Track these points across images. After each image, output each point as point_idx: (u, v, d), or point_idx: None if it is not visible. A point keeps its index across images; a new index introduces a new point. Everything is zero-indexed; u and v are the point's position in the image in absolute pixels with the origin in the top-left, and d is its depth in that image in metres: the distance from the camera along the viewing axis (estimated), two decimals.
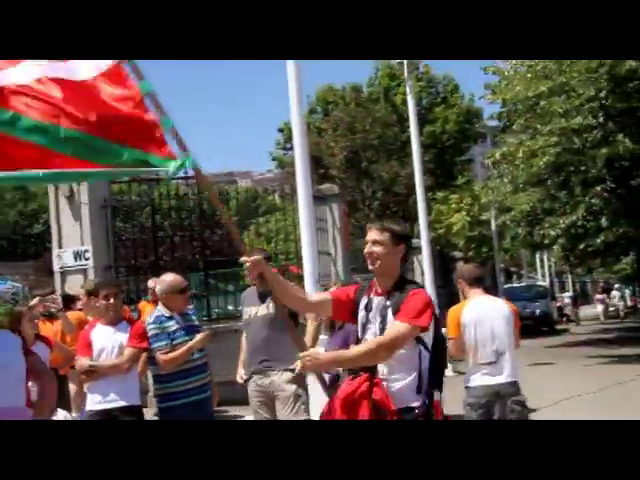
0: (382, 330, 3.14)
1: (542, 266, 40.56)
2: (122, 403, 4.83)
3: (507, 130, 18.88)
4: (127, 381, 4.90)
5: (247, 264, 3.24)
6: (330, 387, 3.84)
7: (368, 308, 3.23)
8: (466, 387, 4.91)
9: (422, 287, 3.35)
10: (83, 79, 3.01)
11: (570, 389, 10.44)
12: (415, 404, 3.10)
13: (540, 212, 17.30)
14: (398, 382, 3.12)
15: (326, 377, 4.07)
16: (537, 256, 37.87)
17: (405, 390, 3.11)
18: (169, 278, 5.06)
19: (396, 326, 3.08)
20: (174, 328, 4.91)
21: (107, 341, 4.93)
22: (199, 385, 4.88)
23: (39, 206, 59.23)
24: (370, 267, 3.26)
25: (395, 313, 3.13)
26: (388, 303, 3.17)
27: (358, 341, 3.26)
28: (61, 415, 5.58)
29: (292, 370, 5.05)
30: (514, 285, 31.26)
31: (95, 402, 4.89)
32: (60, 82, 3.00)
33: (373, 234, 3.24)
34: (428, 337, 3.17)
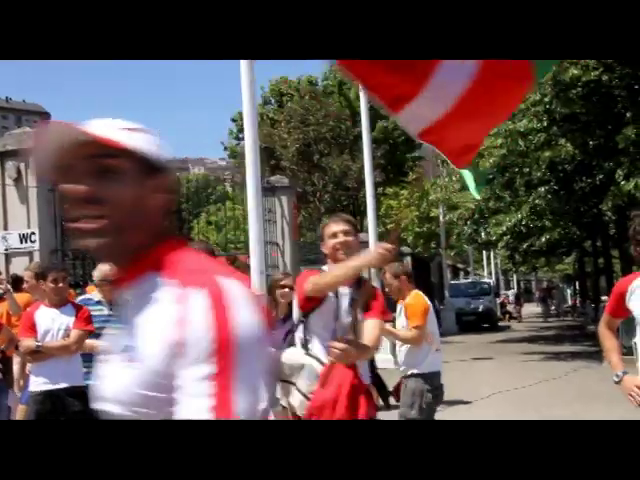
0: (355, 322, 3.28)
1: (489, 264, 41.46)
2: (67, 384, 4.93)
3: None
4: (72, 363, 4.99)
5: None
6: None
7: (337, 295, 3.32)
8: (422, 374, 5.16)
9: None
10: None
11: (504, 383, 10.83)
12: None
13: (485, 211, 17.78)
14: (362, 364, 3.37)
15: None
16: (484, 254, 38.68)
17: (364, 373, 3.36)
18: (103, 267, 5.28)
19: (377, 325, 3.33)
20: (96, 314, 5.22)
21: (53, 323, 5.00)
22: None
23: None
24: (340, 255, 3.32)
25: (364, 307, 3.31)
26: (354, 294, 3.31)
27: (337, 319, 3.31)
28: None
29: None
30: (459, 282, 31.89)
31: (40, 383, 4.96)
32: None
33: (342, 225, 3.39)
34: None
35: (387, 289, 5.33)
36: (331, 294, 3.27)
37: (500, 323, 29.09)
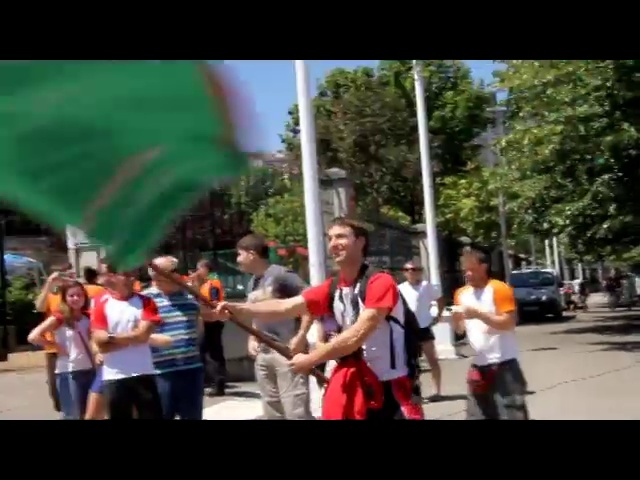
0: (357, 318, 3.45)
1: (551, 253, 40.65)
2: (138, 373, 5.16)
3: (515, 117, 19.00)
4: (141, 352, 5.22)
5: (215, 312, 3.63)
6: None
7: (342, 299, 3.54)
8: (516, 359, 5.14)
9: (383, 272, 3.62)
10: None
11: (569, 373, 10.68)
12: (390, 378, 3.41)
13: (547, 199, 17.46)
14: (374, 359, 3.43)
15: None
16: (546, 243, 37.95)
17: (380, 366, 3.42)
18: (158, 261, 5.45)
19: (363, 313, 3.41)
20: (158, 305, 5.40)
21: (122, 315, 5.23)
22: (181, 358, 5.39)
23: None
24: (336, 259, 3.56)
25: (364, 300, 3.43)
26: (356, 292, 3.47)
27: (340, 329, 3.58)
28: None
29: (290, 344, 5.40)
30: (521, 272, 31.41)
31: (113, 372, 5.20)
32: None
33: (337, 229, 3.56)
34: (400, 314, 3.49)
35: (468, 273, 5.27)
36: (336, 298, 3.54)
37: (565, 313, 28.52)
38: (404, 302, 3.58)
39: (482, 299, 5.12)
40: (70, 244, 11.29)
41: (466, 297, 5.20)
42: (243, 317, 3.76)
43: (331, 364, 5.99)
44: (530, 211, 18.34)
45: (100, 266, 6.60)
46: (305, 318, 5.47)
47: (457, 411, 7.31)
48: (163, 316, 5.40)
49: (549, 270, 32.01)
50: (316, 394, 5.93)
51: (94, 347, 5.84)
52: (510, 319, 5.08)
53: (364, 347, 3.43)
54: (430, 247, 14.54)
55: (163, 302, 5.48)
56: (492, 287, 5.15)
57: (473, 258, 5.25)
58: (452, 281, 18.05)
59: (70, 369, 6.08)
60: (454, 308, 5.23)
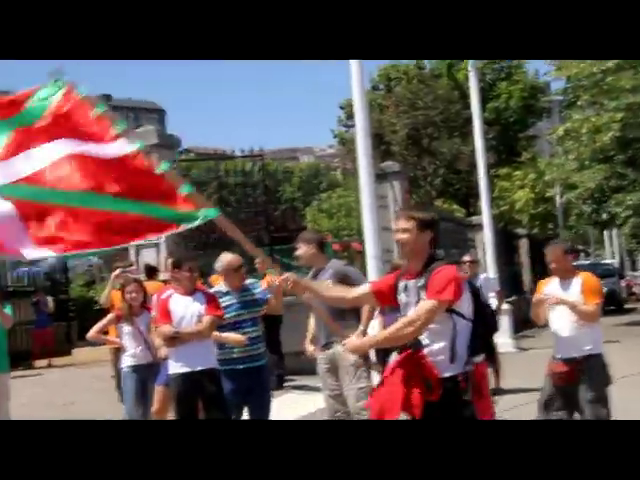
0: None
1: (611, 244, 39.63)
2: (203, 367, 5.26)
3: (572, 106, 18.58)
4: (206, 346, 5.32)
5: (285, 283, 3.60)
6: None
7: (406, 291, 3.53)
8: (601, 353, 5.11)
9: (449, 265, 3.55)
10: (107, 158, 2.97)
11: (632, 367, 10.41)
12: (449, 374, 3.37)
13: (606, 189, 17.04)
14: (434, 353, 3.40)
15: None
16: (605, 234, 37.02)
17: (440, 360, 3.38)
18: (225, 257, 5.59)
19: (423, 304, 3.38)
20: (227, 304, 5.48)
21: (187, 310, 5.34)
22: (246, 356, 5.43)
23: None
24: (400, 252, 3.65)
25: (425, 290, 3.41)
26: (420, 284, 3.45)
27: (404, 309, 3.56)
28: None
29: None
30: (579, 263, 30.74)
31: (179, 366, 5.31)
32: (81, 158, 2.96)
33: (401, 223, 3.55)
34: (465, 307, 3.43)
35: (552, 266, 5.16)
36: (400, 290, 3.55)
37: (627, 305, 27.80)
38: (478, 295, 3.54)
39: (569, 290, 5.03)
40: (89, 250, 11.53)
41: (551, 287, 5.12)
42: (305, 292, 3.70)
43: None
44: (589, 202, 17.94)
45: (166, 262, 6.72)
46: (365, 314, 5.47)
47: (518, 404, 7.23)
48: (233, 314, 5.46)
49: (609, 261, 31.23)
50: None
51: (157, 341, 5.97)
52: (597, 311, 5.00)
53: (425, 340, 3.41)
54: (487, 239, 14.35)
55: (232, 300, 5.53)
56: (581, 278, 5.08)
57: (558, 250, 5.17)
58: (509, 273, 17.79)
59: (129, 363, 6.24)
60: (536, 296, 5.15)
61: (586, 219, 19.96)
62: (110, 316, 6.45)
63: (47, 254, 2.98)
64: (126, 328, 6.27)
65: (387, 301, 3.73)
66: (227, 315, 5.47)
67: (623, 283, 31.07)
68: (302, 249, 5.45)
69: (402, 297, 3.56)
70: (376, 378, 5.78)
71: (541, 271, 22.62)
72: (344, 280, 5.46)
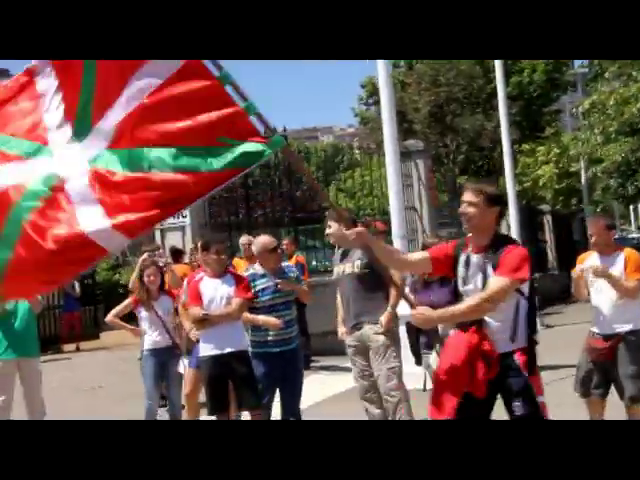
0: (484, 285, 3.38)
1: (636, 218, 39.18)
2: (233, 349, 5.26)
3: (598, 79, 18.24)
4: (235, 329, 5.32)
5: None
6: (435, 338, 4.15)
7: (467, 264, 3.46)
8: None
9: (518, 243, 3.54)
10: (154, 89, 2.98)
11: None
12: (509, 349, 3.36)
13: (633, 163, 16.75)
14: (496, 331, 3.37)
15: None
16: (631, 208, 36.58)
17: (501, 337, 3.37)
18: (261, 239, 5.60)
19: (498, 280, 3.32)
20: (263, 287, 5.46)
21: (216, 292, 5.34)
22: (280, 339, 5.42)
23: None
24: (465, 225, 3.50)
25: (495, 268, 3.35)
26: (487, 260, 3.39)
27: (457, 293, 3.53)
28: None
29: (380, 322, 5.36)
30: None
31: (209, 349, 5.33)
32: (133, 111, 3.00)
33: (468, 196, 3.46)
34: (525, 287, 3.40)
35: (593, 238, 5.09)
36: (461, 262, 3.49)
37: None
38: (531, 275, 3.50)
39: (612, 266, 4.97)
40: (156, 225, 11.58)
41: (591, 262, 5.05)
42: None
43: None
44: (615, 175, 17.66)
45: (194, 244, 6.71)
46: (393, 295, 5.43)
47: (547, 381, 7.17)
48: (269, 297, 5.44)
49: (636, 236, 30.86)
50: (408, 367, 5.93)
51: (187, 324, 5.98)
52: (637, 287, 4.92)
53: (488, 317, 3.37)
54: (511, 216, 14.21)
55: (269, 282, 5.50)
56: (624, 254, 5.02)
57: (600, 224, 5.11)
58: (533, 250, 17.64)
59: (148, 347, 6.25)
60: (578, 267, 5.06)
61: (612, 193, 19.66)
62: (127, 301, 6.46)
63: (123, 241, 3.03)
64: (144, 313, 6.27)
65: (443, 270, 3.65)
66: (263, 298, 5.45)
67: None
68: (333, 227, 5.41)
69: (461, 270, 3.50)
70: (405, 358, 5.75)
71: (565, 247, 22.44)
72: (373, 260, 5.42)
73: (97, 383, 10.32)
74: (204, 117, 2.96)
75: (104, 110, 3.01)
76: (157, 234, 11.50)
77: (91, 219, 2.92)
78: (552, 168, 24.73)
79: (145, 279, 6.25)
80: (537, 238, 20.39)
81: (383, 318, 5.34)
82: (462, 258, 3.50)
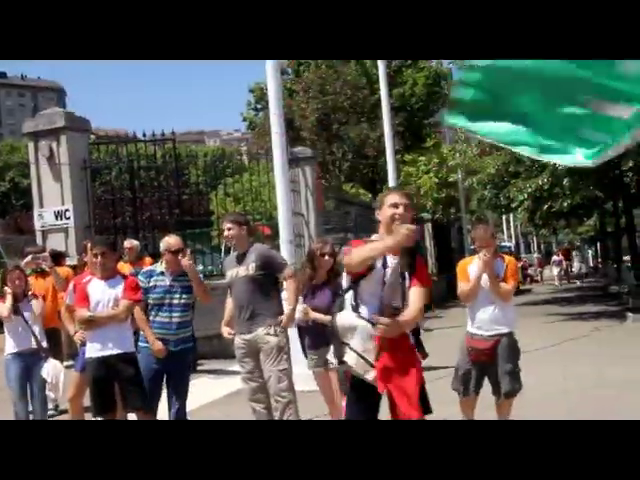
0: (403, 289, 3.49)
1: (508, 227, 41.42)
2: (119, 351, 5.25)
3: None
4: (122, 331, 5.31)
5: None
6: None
7: (385, 265, 3.48)
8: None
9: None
10: None
11: (529, 344, 11.01)
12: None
13: (505, 175, 17.77)
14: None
15: None
16: (503, 217, 38.64)
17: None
18: (167, 239, 5.69)
19: (420, 293, 3.49)
20: (155, 284, 5.52)
21: (103, 294, 5.30)
22: (174, 339, 5.52)
23: (4, 164, 57.58)
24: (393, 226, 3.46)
25: (411, 274, 3.50)
26: (402, 263, 3.49)
27: (384, 287, 3.49)
28: (51, 364, 5.98)
29: (276, 324, 5.50)
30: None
31: (95, 350, 5.29)
32: None
33: (404, 198, 3.54)
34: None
35: (478, 244, 5.40)
36: (378, 264, 3.44)
37: (521, 286, 29.15)
38: None
39: (495, 270, 5.33)
40: (37, 226, 11.19)
41: (475, 267, 5.36)
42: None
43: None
44: (490, 186, 18.65)
45: (84, 245, 6.57)
46: (291, 290, 5.56)
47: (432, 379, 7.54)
48: (161, 296, 5.49)
49: (507, 244, 32.64)
50: (298, 369, 6.09)
51: (71, 328, 5.90)
52: (512, 291, 5.40)
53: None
54: None
55: (165, 281, 5.56)
56: (505, 261, 5.46)
57: (487, 231, 5.50)
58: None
59: (11, 351, 6.09)
60: (476, 272, 5.29)
61: (487, 204, 20.74)
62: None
63: None
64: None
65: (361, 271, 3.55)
66: (153, 295, 5.52)
67: (519, 265, 32.58)
68: (235, 230, 5.51)
69: (379, 268, 3.50)
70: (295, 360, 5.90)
71: (443, 254, 23.43)
72: (268, 263, 5.56)
73: None
74: None
75: None
76: (38, 235, 11.12)
77: None
78: (432, 178, 25.79)
79: (9, 284, 6.03)
80: (418, 245, 21.17)
81: (284, 317, 5.50)
82: (379, 260, 3.56)
